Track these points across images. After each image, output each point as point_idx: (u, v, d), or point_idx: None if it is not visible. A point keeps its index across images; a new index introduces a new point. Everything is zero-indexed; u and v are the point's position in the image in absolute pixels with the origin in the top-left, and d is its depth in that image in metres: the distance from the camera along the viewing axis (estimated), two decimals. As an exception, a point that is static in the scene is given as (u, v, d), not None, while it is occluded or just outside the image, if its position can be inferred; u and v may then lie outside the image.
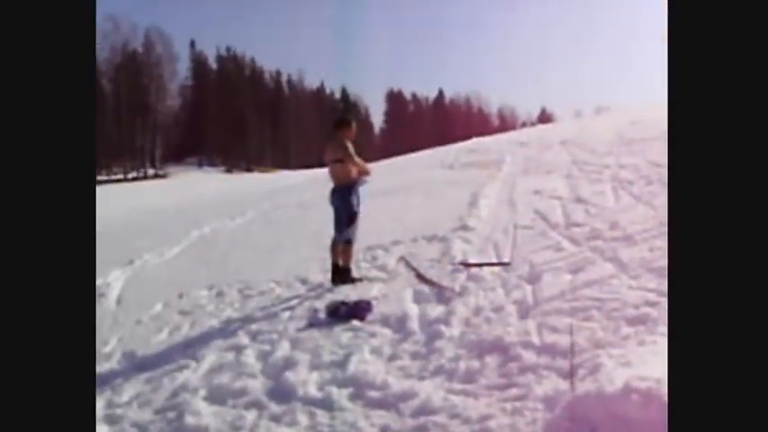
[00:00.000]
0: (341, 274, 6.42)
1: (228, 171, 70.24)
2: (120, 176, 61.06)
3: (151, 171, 66.02)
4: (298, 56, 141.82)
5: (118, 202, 28.08)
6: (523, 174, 11.48)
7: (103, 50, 65.91)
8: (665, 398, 2.55)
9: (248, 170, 70.52)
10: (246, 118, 76.52)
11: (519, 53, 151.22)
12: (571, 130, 17.90)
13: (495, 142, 19.04)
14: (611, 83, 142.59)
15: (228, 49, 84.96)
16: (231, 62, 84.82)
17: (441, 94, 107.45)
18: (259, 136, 78.20)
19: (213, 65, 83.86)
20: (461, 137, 30.29)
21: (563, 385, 3.29)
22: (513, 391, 3.45)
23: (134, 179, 60.09)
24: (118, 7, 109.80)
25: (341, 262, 6.46)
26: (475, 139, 22.88)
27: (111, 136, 62.01)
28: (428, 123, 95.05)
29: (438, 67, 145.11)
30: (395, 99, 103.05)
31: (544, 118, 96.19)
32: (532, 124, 79.17)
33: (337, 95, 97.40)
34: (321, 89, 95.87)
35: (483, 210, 8.69)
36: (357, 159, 6.45)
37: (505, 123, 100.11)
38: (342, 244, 6.44)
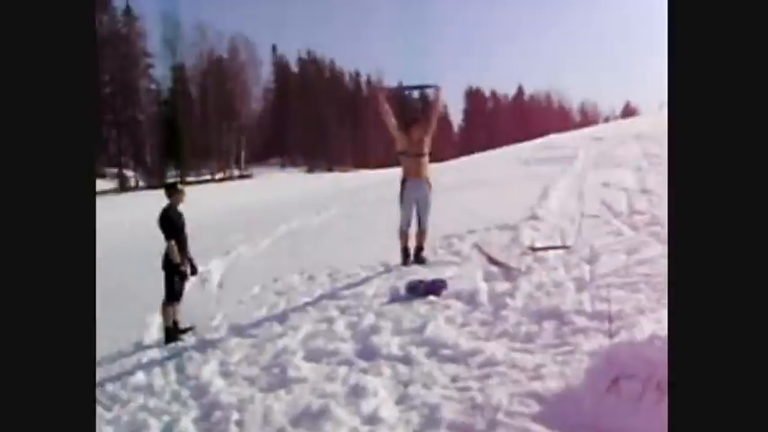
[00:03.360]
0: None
1: (310, 171, 71.96)
2: (208, 177, 63.69)
3: (236, 172, 68.42)
4: (376, 56, 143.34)
5: (208, 201, 29.64)
6: (594, 167, 11.86)
7: (191, 57, 68.92)
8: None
9: (329, 170, 72.08)
10: (327, 119, 78.24)
11: (602, 47, 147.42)
12: (647, 123, 17.94)
13: (571, 138, 19.27)
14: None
15: (309, 52, 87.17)
16: (312, 65, 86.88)
17: (520, 90, 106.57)
18: (339, 136, 79.79)
19: (294, 68, 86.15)
20: (540, 133, 30.38)
21: (607, 342, 3.87)
22: (565, 348, 4.08)
23: (221, 180, 62.49)
24: (204, 17, 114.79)
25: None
26: (552, 136, 23.14)
27: (198, 139, 64.88)
28: (507, 120, 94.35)
29: (518, 63, 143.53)
30: (473, 97, 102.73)
31: (628, 112, 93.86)
32: (615, 119, 77.47)
33: (416, 95, 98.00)
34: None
35: (553, 201, 9.21)
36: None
37: (587, 119, 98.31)
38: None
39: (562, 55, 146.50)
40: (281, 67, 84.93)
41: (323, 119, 77.73)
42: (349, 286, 7.01)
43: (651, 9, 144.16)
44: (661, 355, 3.15)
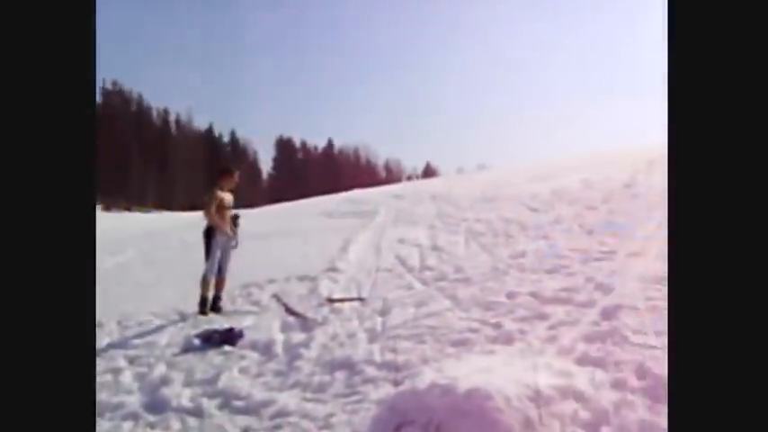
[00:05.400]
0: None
1: (106, 209, 67.51)
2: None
3: (21, 206, 62.49)
4: (187, 96, 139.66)
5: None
6: (393, 224, 12.52)
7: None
8: (461, 390, 3.42)
9: (127, 209, 68.26)
10: (129, 154, 74.49)
11: (408, 109, 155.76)
12: (444, 185, 19.31)
13: (374, 194, 20.14)
14: (499, 141, 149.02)
15: (115, 83, 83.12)
16: (117, 96, 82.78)
17: (330, 143, 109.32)
18: (142, 174, 76.11)
19: (98, 98, 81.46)
20: (348, 187, 31.34)
21: (393, 391, 4.10)
22: (354, 397, 4.24)
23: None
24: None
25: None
26: (356, 191, 24.00)
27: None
28: (316, 172, 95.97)
29: (330, 117, 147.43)
30: (284, 146, 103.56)
31: (429, 172, 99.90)
32: (417, 178, 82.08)
33: (226, 139, 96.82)
34: (210, 131, 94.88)
35: (352, 254, 9.57)
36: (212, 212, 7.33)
37: (392, 175, 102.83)
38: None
39: (371, 111, 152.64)
40: (81, 96, 79.75)
41: (124, 154, 73.82)
42: (140, 335, 6.70)
43: (462, 75, 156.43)
44: (439, 401, 3.42)
